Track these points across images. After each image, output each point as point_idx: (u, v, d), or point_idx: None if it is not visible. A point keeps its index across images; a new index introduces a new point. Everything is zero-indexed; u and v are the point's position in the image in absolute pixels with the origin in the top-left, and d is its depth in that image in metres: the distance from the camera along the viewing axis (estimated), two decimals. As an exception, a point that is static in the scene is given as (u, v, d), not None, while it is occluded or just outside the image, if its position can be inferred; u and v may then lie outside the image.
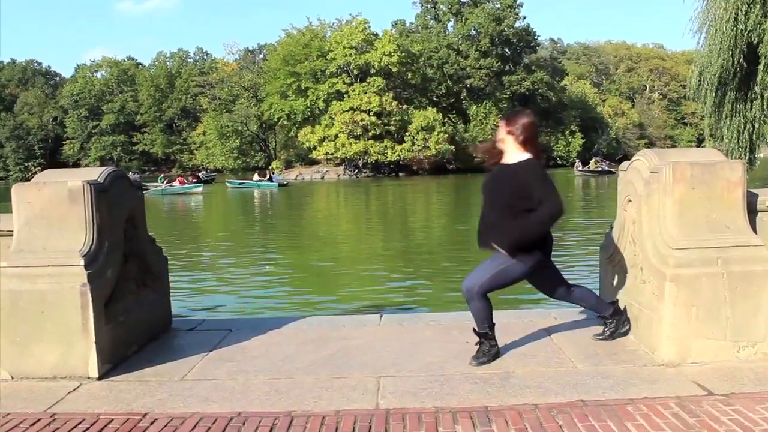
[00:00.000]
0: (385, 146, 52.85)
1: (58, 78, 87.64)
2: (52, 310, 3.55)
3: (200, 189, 37.54)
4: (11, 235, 3.77)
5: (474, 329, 3.72)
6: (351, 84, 54.19)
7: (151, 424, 2.97)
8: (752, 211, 3.73)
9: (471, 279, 3.60)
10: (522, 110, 3.80)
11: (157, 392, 3.39)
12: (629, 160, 4.24)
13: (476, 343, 3.73)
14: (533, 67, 63.67)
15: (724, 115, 17.61)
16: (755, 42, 16.11)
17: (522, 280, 3.69)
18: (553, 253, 3.80)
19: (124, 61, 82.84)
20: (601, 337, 3.99)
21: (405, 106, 54.60)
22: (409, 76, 56.05)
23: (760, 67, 16.22)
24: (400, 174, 53.67)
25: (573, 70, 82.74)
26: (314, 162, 58.16)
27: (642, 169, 3.91)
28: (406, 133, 53.01)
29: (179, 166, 72.17)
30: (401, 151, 52.73)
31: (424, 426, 2.85)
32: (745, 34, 16.03)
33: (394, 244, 15.59)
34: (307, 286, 10.46)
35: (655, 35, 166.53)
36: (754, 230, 3.68)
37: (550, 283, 3.87)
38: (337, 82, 54.36)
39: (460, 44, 60.59)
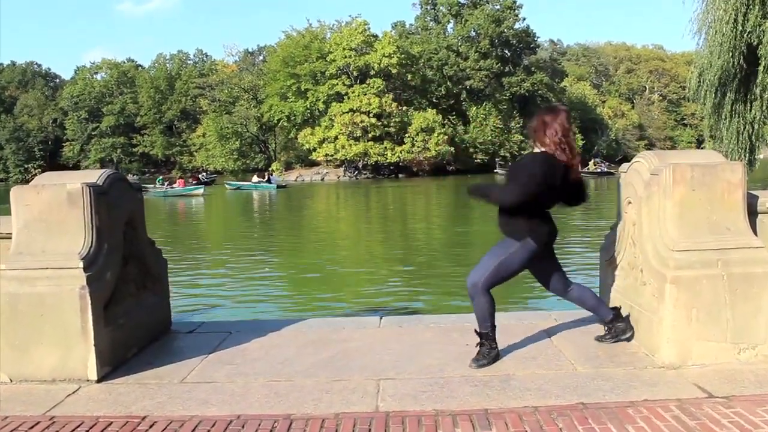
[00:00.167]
0: (385, 148, 52.85)
1: (57, 80, 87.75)
2: (51, 313, 3.54)
3: (201, 191, 37.63)
4: (10, 238, 3.76)
5: (475, 330, 3.72)
6: (351, 85, 54.22)
7: (150, 427, 2.97)
8: (752, 213, 3.73)
9: (475, 273, 3.65)
10: (546, 108, 3.85)
11: (157, 395, 3.38)
12: (629, 161, 4.23)
13: (476, 345, 3.73)
14: (533, 68, 63.71)
15: (723, 117, 17.62)
16: (755, 43, 16.13)
17: (524, 269, 3.71)
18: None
19: (124, 62, 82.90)
20: (602, 341, 3.98)
21: (405, 108, 54.62)
22: (409, 78, 56.09)
23: (760, 68, 16.23)
24: (400, 175, 53.68)
25: (573, 71, 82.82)
26: (314, 163, 58.17)
27: (642, 171, 3.90)
28: (406, 135, 53.02)
29: (179, 168, 72.14)
30: (401, 153, 52.74)
31: (423, 429, 2.84)
32: (745, 36, 16.05)
33: (394, 245, 15.59)
34: (306, 288, 10.46)
35: (654, 36, 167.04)
36: (755, 232, 3.68)
37: (549, 275, 3.86)
38: (337, 84, 54.38)
39: (460, 46, 60.61)
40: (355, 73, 54.54)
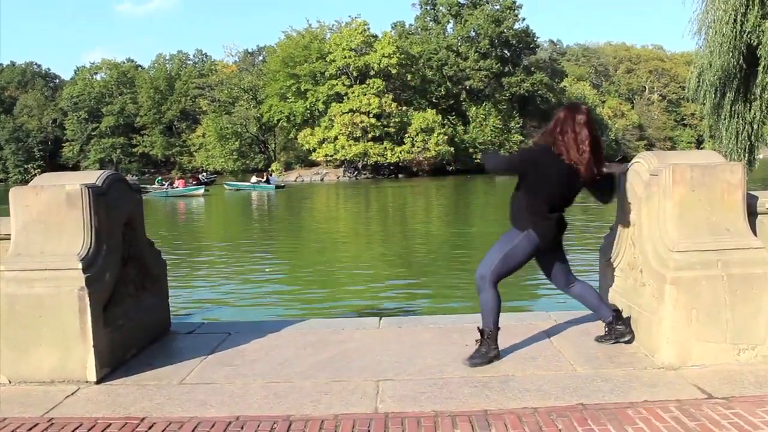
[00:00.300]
0: (385, 148, 52.84)
1: (57, 80, 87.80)
2: (49, 314, 3.53)
3: (202, 191, 37.71)
4: (9, 239, 3.75)
5: (478, 327, 3.72)
6: (350, 86, 54.20)
7: (149, 428, 2.96)
8: (752, 214, 3.72)
9: (482, 266, 3.69)
10: (566, 105, 3.86)
11: (156, 396, 3.37)
12: (629, 161, 4.23)
13: (476, 341, 3.72)
14: (533, 68, 63.68)
15: (723, 117, 17.64)
16: (755, 43, 16.14)
17: (529, 260, 3.74)
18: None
19: (124, 63, 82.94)
20: (602, 341, 3.97)
21: (404, 108, 54.62)
22: (409, 78, 56.05)
23: (760, 68, 16.25)
24: (400, 175, 53.67)
25: (572, 71, 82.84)
26: (314, 164, 58.16)
27: (641, 172, 3.90)
28: (406, 135, 53.00)
29: (179, 168, 72.14)
30: (401, 153, 52.72)
31: (422, 430, 2.84)
32: (745, 36, 16.06)
33: (394, 246, 15.57)
34: (306, 289, 10.44)
35: (654, 36, 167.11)
36: (754, 233, 3.67)
37: (554, 268, 3.88)
38: (337, 84, 54.37)
39: (460, 46, 60.58)
40: (354, 74, 54.51)
